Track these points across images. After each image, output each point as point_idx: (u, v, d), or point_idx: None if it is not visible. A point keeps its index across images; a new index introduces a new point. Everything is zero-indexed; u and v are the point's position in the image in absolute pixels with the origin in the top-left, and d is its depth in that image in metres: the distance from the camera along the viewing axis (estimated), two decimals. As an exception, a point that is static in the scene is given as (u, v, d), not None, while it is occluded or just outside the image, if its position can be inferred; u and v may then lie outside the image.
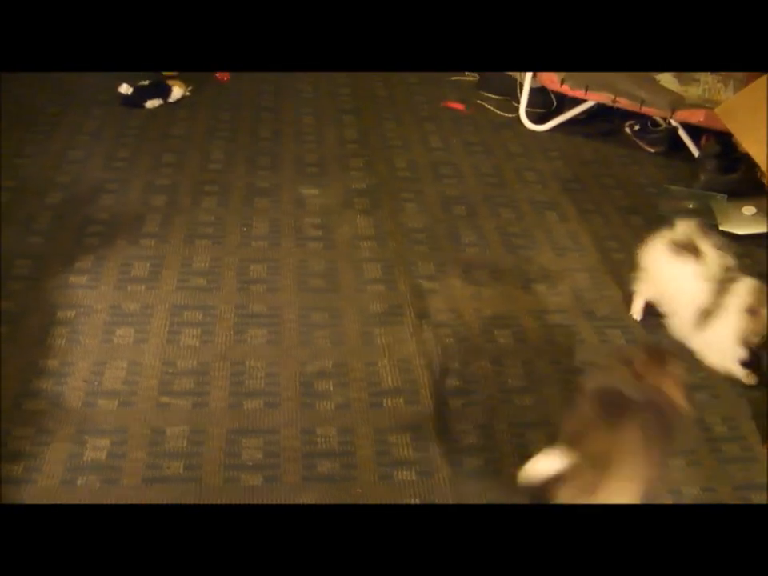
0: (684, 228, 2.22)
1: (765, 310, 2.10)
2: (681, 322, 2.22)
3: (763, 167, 2.68)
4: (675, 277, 2.20)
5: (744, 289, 2.13)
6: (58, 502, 1.66)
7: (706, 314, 2.14)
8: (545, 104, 3.35)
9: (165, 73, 3.26)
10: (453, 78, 3.57)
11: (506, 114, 3.35)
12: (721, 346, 2.16)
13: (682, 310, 2.20)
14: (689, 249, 2.17)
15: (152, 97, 3.10)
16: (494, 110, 3.38)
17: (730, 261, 2.17)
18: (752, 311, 2.10)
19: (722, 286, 2.13)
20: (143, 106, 3.08)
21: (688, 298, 2.17)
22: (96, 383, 1.95)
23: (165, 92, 3.13)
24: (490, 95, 3.47)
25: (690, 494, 1.87)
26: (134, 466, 1.77)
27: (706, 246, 2.15)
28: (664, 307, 2.27)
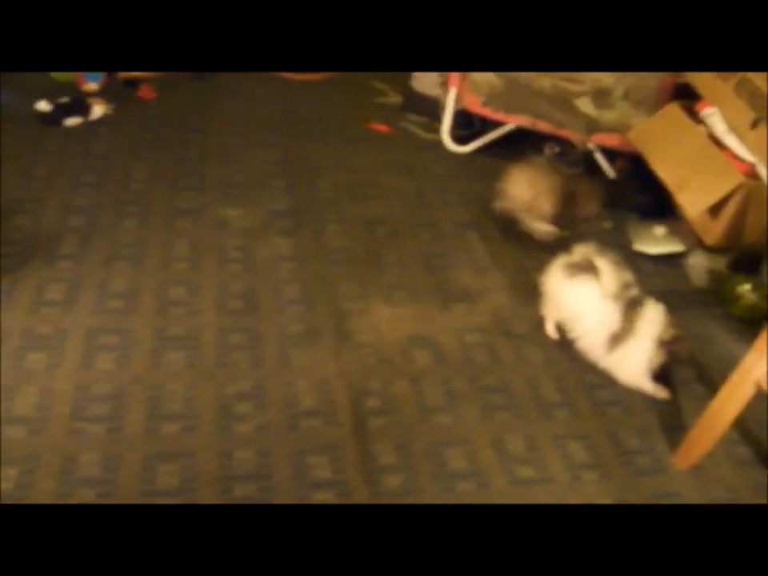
0: (579, 250, 2.30)
1: (679, 341, 2.22)
2: (590, 343, 2.29)
3: (671, 189, 2.80)
4: (576, 299, 2.27)
5: (654, 316, 2.21)
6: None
7: (616, 337, 2.21)
8: (468, 126, 3.42)
9: (85, 89, 3.20)
10: (378, 100, 3.62)
11: (430, 136, 3.40)
12: (632, 368, 2.24)
13: (590, 331, 2.27)
14: (585, 269, 2.24)
15: (72, 114, 3.03)
16: (418, 131, 3.43)
17: (628, 276, 2.25)
18: (668, 343, 2.20)
19: (627, 306, 2.21)
20: (62, 124, 3.01)
21: (592, 318, 2.24)
22: (5, 410, 1.89)
23: (85, 110, 3.07)
24: (414, 117, 3.52)
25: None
26: (42, 496, 1.72)
27: (603, 264, 2.22)
28: (571, 329, 2.34)
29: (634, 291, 2.24)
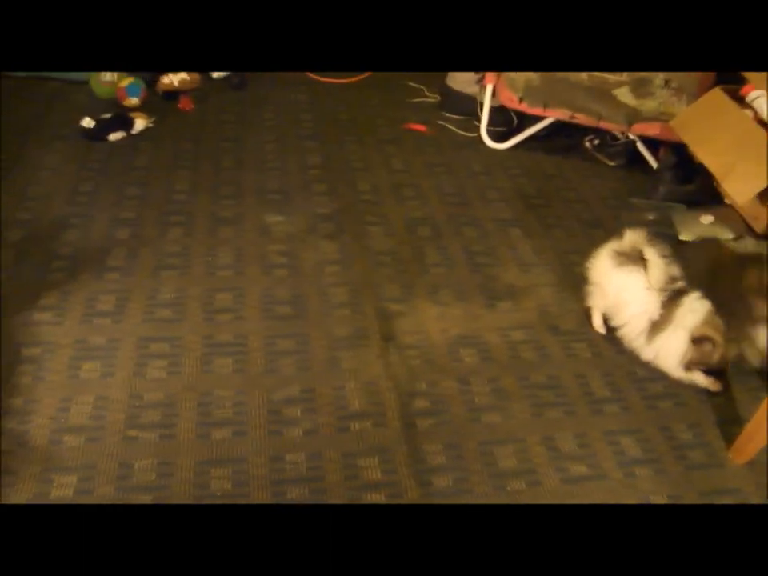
0: (630, 238, 2.26)
1: (711, 343, 2.16)
2: (631, 332, 2.26)
3: (717, 177, 2.74)
4: (621, 287, 2.25)
5: (695, 306, 2.17)
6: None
7: (656, 326, 2.18)
8: (505, 122, 3.40)
9: (126, 104, 3.27)
10: (414, 100, 3.62)
11: (468, 134, 3.39)
12: (669, 358, 2.20)
13: (631, 321, 2.24)
14: (633, 258, 2.21)
15: (115, 129, 3.10)
16: (456, 130, 3.42)
17: (675, 270, 2.22)
18: (698, 341, 2.15)
19: (670, 296, 2.17)
20: (106, 139, 3.08)
21: (635, 307, 2.21)
22: (62, 420, 1.94)
23: (127, 124, 3.13)
24: (451, 115, 3.52)
25: (658, 502, 1.89)
26: (101, 502, 1.76)
27: (651, 255, 2.19)
28: (614, 317, 2.31)
29: (680, 284, 2.20)
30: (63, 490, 1.77)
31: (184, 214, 2.71)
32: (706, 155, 2.78)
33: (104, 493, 1.77)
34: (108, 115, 3.14)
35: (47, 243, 2.51)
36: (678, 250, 2.40)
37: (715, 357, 2.17)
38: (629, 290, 2.23)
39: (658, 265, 2.17)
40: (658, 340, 2.19)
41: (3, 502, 1.73)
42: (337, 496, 1.81)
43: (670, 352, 2.19)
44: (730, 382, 2.26)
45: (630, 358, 2.29)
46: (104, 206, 2.73)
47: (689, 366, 2.19)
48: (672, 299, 2.17)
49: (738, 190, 2.69)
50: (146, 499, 1.77)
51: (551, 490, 1.89)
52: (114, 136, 3.09)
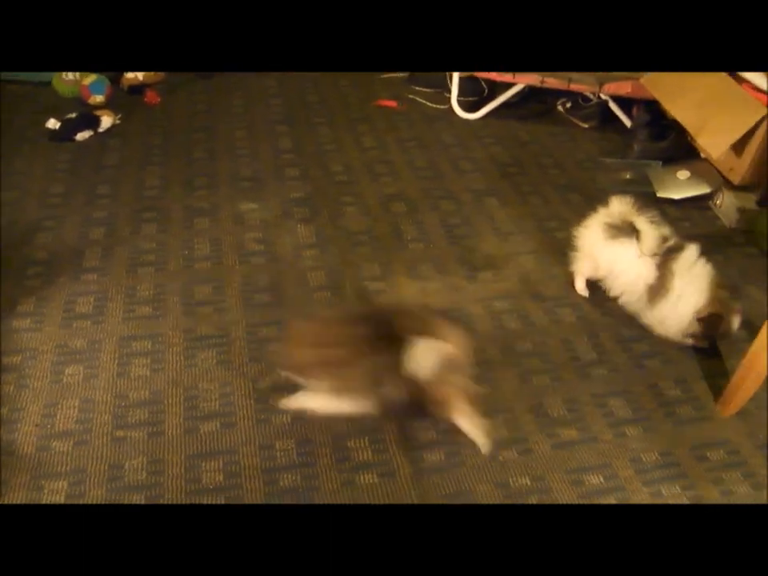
0: (617, 208, 2.23)
1: (717, 317, 2.14)
2: (629, 300, 2.26)
3: (691, 132, 2.73)
4: (615, 259, 2.23)
5: (693, 273, 2.15)
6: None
7: (654, 291, 2.17)
8: (476, 92, 3.37)
9: (91, 102, 3.22)
10: (384, 76, 3.58)
11: (439, 106, 3.36)
12: (671, 323, 2.19)
13: (628, 289, 2.24)
14: (624, 229, 2.19)
15: (81, 129, 3.06)
16: (427, 103, 3.40)
17: (667, 232, 2.20)
18: (704, 318, 2.14)
19: (665, 257, 2.16)
20: (73, 139, 3.03)
21: (631, 277, 2.20)
22: (48, 426, 1.92)
23: (94, 123, 3.09)
24: (421, 89, 3.49)
25: (650, 459, 1.90)
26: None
27: (642, 223, 2.16)
28: (609, 286, 2.30)
29: (672, 242, 2.19)
30: (54, 496, 1.76)
31: (157, 209, 2.69)
32: (679, 111, 2.77)
33: (95, 495, 1.76)
34: (73, 115, 3.10)
35: (21, 249, 2.48)
36: (657, 208, 2.38)
37: (721, 328, 2.17)
38: (622, 261, 2.21)
39: (649, 233, 2.15)
40: (660, 309, 2.18)
41: (-6, 512, 1.72)
42: (329, 479, 1.81)
43: (672, 323, 2.18)
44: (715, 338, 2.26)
45: (616, 319, 2.30)
46: (76, 206, 2.69)
47: (693, 336, 2.20)
48: (667, 259, 2.15)
49: (713, 143, 2.68)
50: (138, 498, 1.76)
51: (543, 457, 1.90)
52: (81, 135, 3.05)
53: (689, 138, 2.91)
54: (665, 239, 2.17)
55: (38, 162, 2.92)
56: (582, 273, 2.37)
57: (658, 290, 2.16)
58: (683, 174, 2.88)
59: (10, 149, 2.97)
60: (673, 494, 1.82)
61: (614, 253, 2.22)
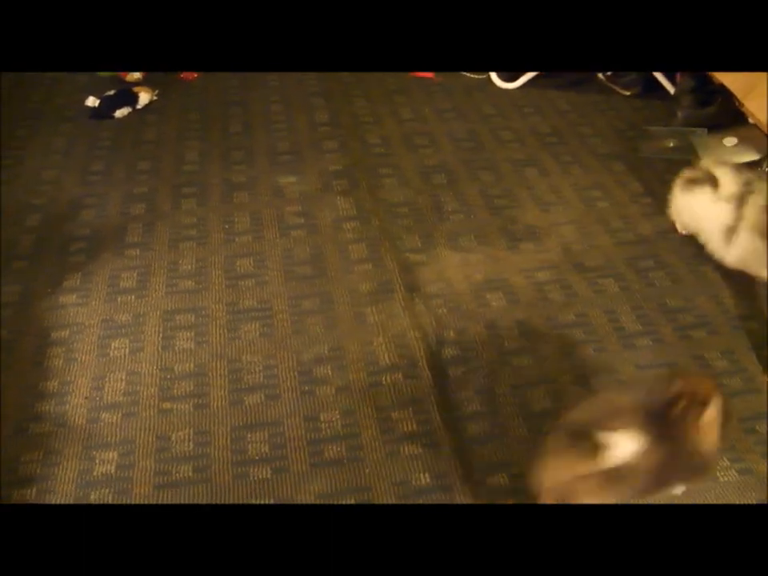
0: (702, 163, 2.34)
1: None
2: (715, 246, 2.29)
3: (739, 95, 2.65)
4: (700, 212, 2.31)
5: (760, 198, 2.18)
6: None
7: (731, 230, 2.20)
8: (514, 61, 3.31)
9: (129, 79, 3.24)
10: (419, 47, 3.53)
11: (477, 76, 3.31)
12: (752, 254, 2.20)
13: (713, 236, 2.27)
14: (705, 181, 2.24)
15: (120, 106, 3.08)
16: (464, 73, 3.35)
17: (749, 176, 2.24)
18: None
19: (741, 199, 2.19)
20: (112, 117, 3.06)
21: (714, 223, 2.25)
22: (97, 398, 1.96)
23: (132, 99, 3.11)
24: (458, 59, 3.43)
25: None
26: (143, 475, 1.78)
27: (722, 173, 2.23)
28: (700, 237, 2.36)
29: (753, 187, 2.21)
30: (106, 466, 1.80)
31: (196, 184, 2.70)
32: (726, 74, 2.69)
33: (145, 466, 1.80)
34: (112, 92, 3.12)
35: (64, 226, 2.52)
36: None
37: None
38: (707, 212, 2.26)
39: (727, 176, 2.21)
40: (736, 245, 2.21)
41: (50, 482, 1.76)
42: (374, 450, 1.82)
43: (751, 260, 2.21)
44: (763, 306, 2.22)
45: (660, 289, 2.26)
46: (116, 183, 2.72)
47: None
48: (743, 200, 2.19)
49: (762, 107, 2.60)
50: (186, 468, 1.79)
51: (588, 428, 1.88)
52: (120, 112, 3.07)
53: (736, 103, 2.82)
54: (748, 182, 2.21)
55: (78, 140, 2.95)
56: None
57: (733, 229, 2.19)
58: (730, 141, 2.81)
59: (51, 128, 3.00)
60: (721, 467, 1.79)
61: (691, 202, 2.32)
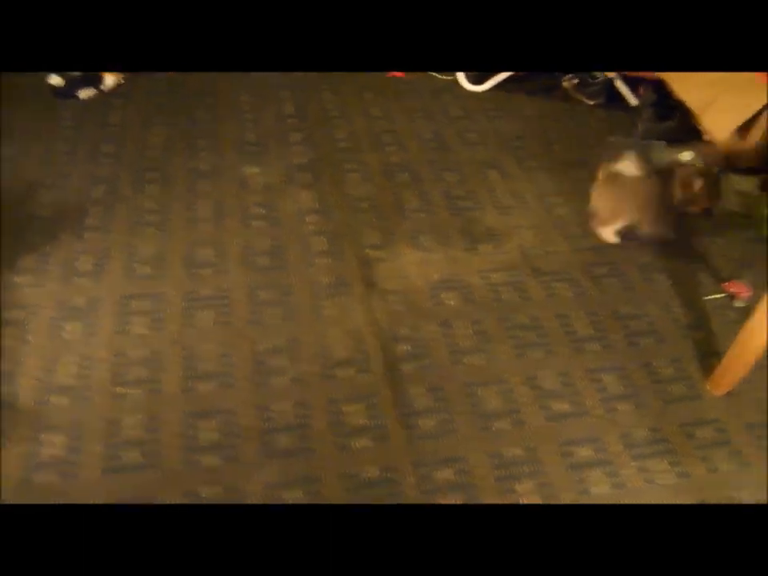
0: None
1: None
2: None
3: (696, 112, 2.72)
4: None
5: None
6: (19, 502, 1.67)
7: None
8: (483, 64, 3.35)
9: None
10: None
11: (446, 78, 3.34)
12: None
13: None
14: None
15: (85, 86, 3.04)
16: (434, 73, 3.37)
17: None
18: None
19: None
20: (76, 97, 3.02)
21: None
22: (48, 380, 1.94)
23: (97, 81, 3.07)
24: (428, 59, 3.46)
25: (639, 435, 1.93)
26: (91, 459, 1.78)
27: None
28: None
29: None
30: (53, 449, 1.79)
31: (160, 170, 2.68)
32: (685, 91, 2.76)
33: (93, 450, 1.79)
34: (77, 72, 3.07)
35: (24, 205, 2.48)
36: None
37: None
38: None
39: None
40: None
41: (-7, 462, 1.75)
42: (325, 442, 1.84)
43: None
44: (708, 316, 2.29)
45: (613, 296, 2.32)
46: (78, 164, 2.69)
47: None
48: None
49: (718, 125, 2.68)
50: (135, 454, 1.79)
51: (535, 428, 1.93)
52: (85, 93, 3.03)
53: (694, 119, 2.90)
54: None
55: (40, 119, 2.90)
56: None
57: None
58: (687, 155, 2.88)
59: (13, 104, 2.95)
60: (660, 470, 1.86)
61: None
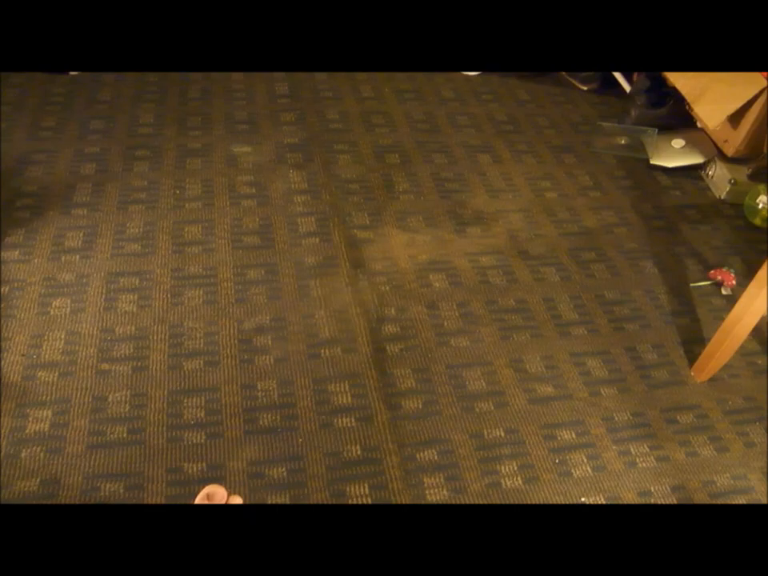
0: None
1: None
2: None
3: (688, 100, 2.73)
4: None
5: None
6: (4, 477, 1.68)
7: None
8: (477, 47, 3.33)
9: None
10: (384, 26, 3.54)
11: (439, 60, 3.33)
12: None
13: None
14: None
15: (76, 62, 3.01)
16: (427, 55, 3.36)
17: None
18: None
19: None
20: (66, 72, 2.99)
21: None
22: (34, 356, 1.95)
23: (89, 56, 3.04)
24: (422, 41, 3.44)
25: (621, 419, 1.95)
26: (77, 434, 1.78)
27: None
28: None
29: None
30: (39, 424, 1.80)
31: (150, 147, 2.67)
32: (679, 78, 2.76)
33: (79, 425, 1.80)
34: (68, 46, 3.05)
35: (11, 180, 2.47)
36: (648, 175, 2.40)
37: None
38: None
39: None
40: None
41: (-22, 436, 1.75)
42: (308, 421, 1.85)
43: None
44: (693, 304, 2.31)
45: (599, 281, 2.33)
46: (68, 141, 2.67)
47: None
48: None
49: (710, 113, 2.68)
50: (121, 429, 1.80)
51: (518, 410, 1.94)
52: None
53: (687, 107, 2.90)
54: None
55: (29, 93, 2.88)
56: None
57: None
58: (678, 143, 2.89)
59: (0, 80, 2.93)
60: (641, 453, 1.88)
61: None
